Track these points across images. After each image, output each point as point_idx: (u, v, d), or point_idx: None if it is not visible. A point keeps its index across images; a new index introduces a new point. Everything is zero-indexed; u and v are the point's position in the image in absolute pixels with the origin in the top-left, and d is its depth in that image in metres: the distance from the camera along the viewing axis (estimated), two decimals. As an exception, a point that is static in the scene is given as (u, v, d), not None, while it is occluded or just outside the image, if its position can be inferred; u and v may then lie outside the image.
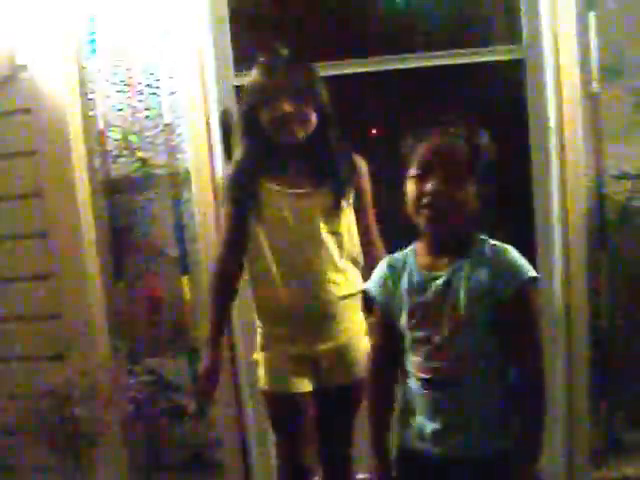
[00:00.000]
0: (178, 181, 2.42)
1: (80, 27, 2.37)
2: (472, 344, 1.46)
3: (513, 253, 1.49)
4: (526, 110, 2.43)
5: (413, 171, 1.48)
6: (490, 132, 2.49)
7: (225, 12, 2.42)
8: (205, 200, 2.39)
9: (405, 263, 1.54)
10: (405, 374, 1.55)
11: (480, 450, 1.48)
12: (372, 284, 1.60)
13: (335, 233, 1.88)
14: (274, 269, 1.87)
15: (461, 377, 1.46)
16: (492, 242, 1.51)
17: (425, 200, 1.45)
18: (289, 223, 1.85)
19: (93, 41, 2.38)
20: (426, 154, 1.47)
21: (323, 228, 1.85)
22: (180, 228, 2.43)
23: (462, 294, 1.45)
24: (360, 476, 2.10)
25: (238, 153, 1.94)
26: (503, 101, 2.51)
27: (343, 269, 1.89)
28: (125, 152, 2.42)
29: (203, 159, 2.39)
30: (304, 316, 1.87)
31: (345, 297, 1.89)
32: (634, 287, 2.40)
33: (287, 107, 1.80)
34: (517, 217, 2.51)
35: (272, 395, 1.95)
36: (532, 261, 2.42)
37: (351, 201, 1.92)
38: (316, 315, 1.87)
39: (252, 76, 1.88)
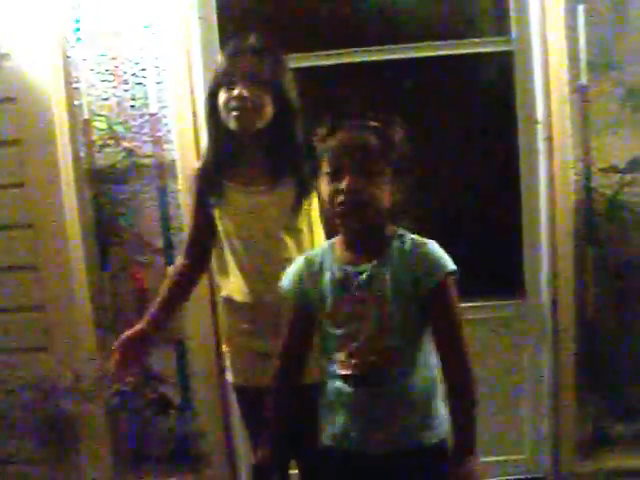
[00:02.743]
0: (164, 171, 2.40)
1: (65, 15, 2.34)
2: (396, 340, 1.44)
3: (433, 247, 1.46)
4: (514, 103, 2.42)
5: (326, 168, 1.43)
6: (478, 124, 2.50)
7: (212, 0, 2.40)
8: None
9: (323, 260, 1.49)
10: (326, 372, 1.51)
11: (403, 445, 1.46)
12: (287, 282, 1.53)
13: (295, 230, 1.81)
14: (233, 265, 1.84)
15: (386, 373, 1.44)
16: (411, 236, 1.48)
17: (340, 198, 1.40)
18: (245, 221, 1.81)
19: (78, 30, 2.36)
20: (338, 150, 1.42)
21: (281, 226, 1.80)
22: (166, 219, 2.42)
23: (386, 289, 1.43)
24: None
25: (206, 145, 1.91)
26: (491, 93, 2.50)
27: None
28: (110, 142, 2.40)
29: (189, 149, 2.37)
30: (262, 313, 1.82)
31: None
32: (621, 281, 2.41)
33: (239, 91, 1.72)
34: (504, 210, 2.51)
35: (237, 387, 1.96)
36: (519, 255, 2.48)
37: (315, 196, 1.81)
38: (274, 313, 1.79)
39: (217, 63, 1.82)
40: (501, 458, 2.54)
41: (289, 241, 1.81)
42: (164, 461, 2.53)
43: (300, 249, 1.82)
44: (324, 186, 1.44)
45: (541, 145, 2.39)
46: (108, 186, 2.41)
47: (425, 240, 1.48)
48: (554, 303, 2.42)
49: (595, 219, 2.38)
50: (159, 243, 2.43)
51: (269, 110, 1.76)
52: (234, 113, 1.74)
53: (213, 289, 2.38)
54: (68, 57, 2.37)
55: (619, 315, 2.41)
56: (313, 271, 1.50)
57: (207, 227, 1.87)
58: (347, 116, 1.47)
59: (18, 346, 2.43)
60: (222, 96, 1.76)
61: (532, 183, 2.44)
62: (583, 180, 2.37)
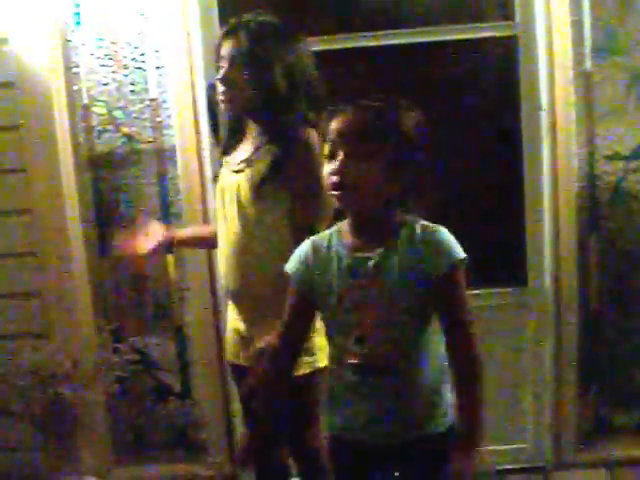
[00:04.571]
0: (164, 157, 2.39)
1: (64, -1, 2.32)
2: (402, 329, 1.41)
3: (443, 234, 1.41)
4: (518, 88, 2.40)
5: (325, 150, 1.43)
6: (481, 110, 2.47)
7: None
8: (191, 177, 2.36)
9: (330, 245, 1.46)
10: (333, 360, 1.51)
11: (410, 435, 1.44)
12: (291, 265, 1.50)
13: (261, 214, 1.75)
14: (219, 249, 1.87)
15: (390, 363, 1.42)
16: (422, 223, 1.43)
17: (332, 179, 1.39)
18: (225, 203, 1.81)
19: (77, 14, 2.34)
20: (332, 132, 1.40)
21: (250, 207, 1.75)
22: (165, 205, 2.40)
23: (393, 277, 1.40)
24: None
25: None
26: (494, 78, 2.48)
27: (269, 250, 1.76)
28: (110, 127, 2.39)
29: (189, 135, 2.35)
30: (241, 298, 1.84)
31: (271, 279, 1.70)
32: (624, 269, 2.39)
33: (222, 72, 1.74)
34: (507, 197, 2.49)
35: (228, 363, 2.01)
36: (522, 242, 2.46)
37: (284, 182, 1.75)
38: (251, 300, 1.80)
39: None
40: (502, 447, 2.52)
41: (259, 224, 1.76)
42: (163, 449, 2.52)
43: (268, 234, 1.76)
44: (324, 169, 1.42)
45: (545, 131, 2.37)
46: (107, 171, 2.40)
47: (435, 227, 1.43)
48: (557, 290, 2.41)
49: (599, 206, 2.36)
50: (159, 229, 2.41)
51: (247, 90, 1.74)
52: (219, 94, 1.78)
53: (213, 276, 2.37)
54: (67, 41, 2.35)
55: (622, 302, 2.39)
56: (320, 256, 1.46)
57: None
58: (349, 100, 1.44)
59: (17, 332, 2.43)
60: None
61: (535, 170, 2.42)
62: (587, 167, 2.35)
